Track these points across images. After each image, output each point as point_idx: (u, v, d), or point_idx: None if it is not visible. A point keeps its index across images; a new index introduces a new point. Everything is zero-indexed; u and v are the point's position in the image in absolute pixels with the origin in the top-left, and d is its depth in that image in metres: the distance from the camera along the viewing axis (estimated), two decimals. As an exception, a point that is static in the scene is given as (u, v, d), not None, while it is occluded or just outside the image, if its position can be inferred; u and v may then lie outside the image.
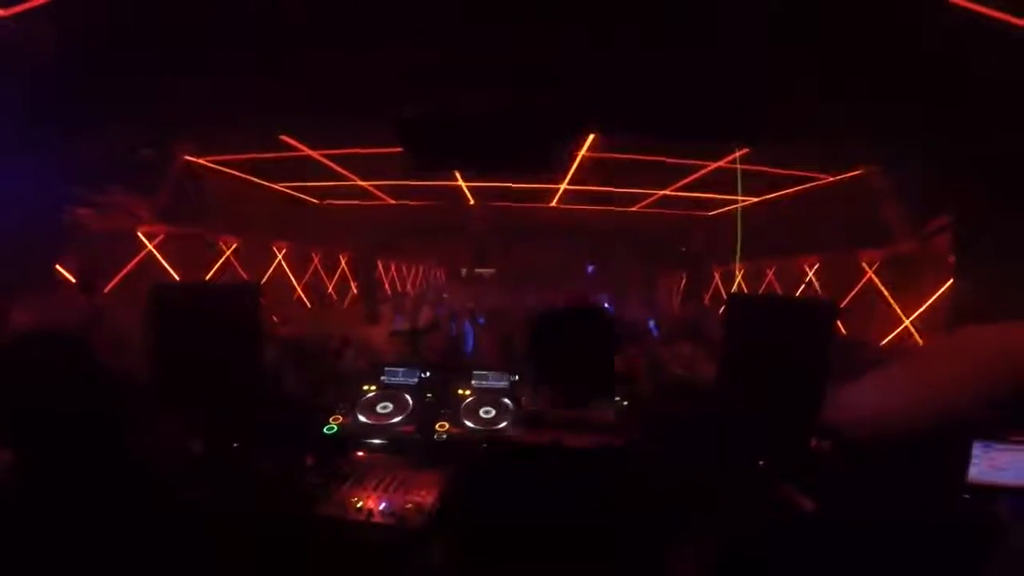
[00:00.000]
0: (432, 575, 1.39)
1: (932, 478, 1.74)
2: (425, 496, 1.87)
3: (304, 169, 4.81)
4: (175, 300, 2.12)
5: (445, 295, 8.84)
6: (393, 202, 6.57)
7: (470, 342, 4.57)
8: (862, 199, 4.12)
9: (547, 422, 1.23)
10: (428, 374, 2.53)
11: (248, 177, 4.84)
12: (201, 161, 4.37)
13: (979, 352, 0.76)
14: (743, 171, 4.31)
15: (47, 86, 2.17)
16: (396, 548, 1.75)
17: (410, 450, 2.21)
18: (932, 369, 0.80)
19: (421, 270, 13.69)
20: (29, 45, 1.91)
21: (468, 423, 2.32)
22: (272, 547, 1.77)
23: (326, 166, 4.76)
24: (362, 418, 2.32)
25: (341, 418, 2.31)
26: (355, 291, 9.08)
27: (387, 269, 11.33)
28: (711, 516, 1.74)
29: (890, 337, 4.42)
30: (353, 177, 5.30)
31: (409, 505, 1.83)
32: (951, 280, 3.47)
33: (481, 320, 5.49)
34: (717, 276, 8.73)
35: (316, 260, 7.94)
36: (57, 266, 3.22)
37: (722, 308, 7.22)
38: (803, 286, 6.20)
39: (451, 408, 2.37)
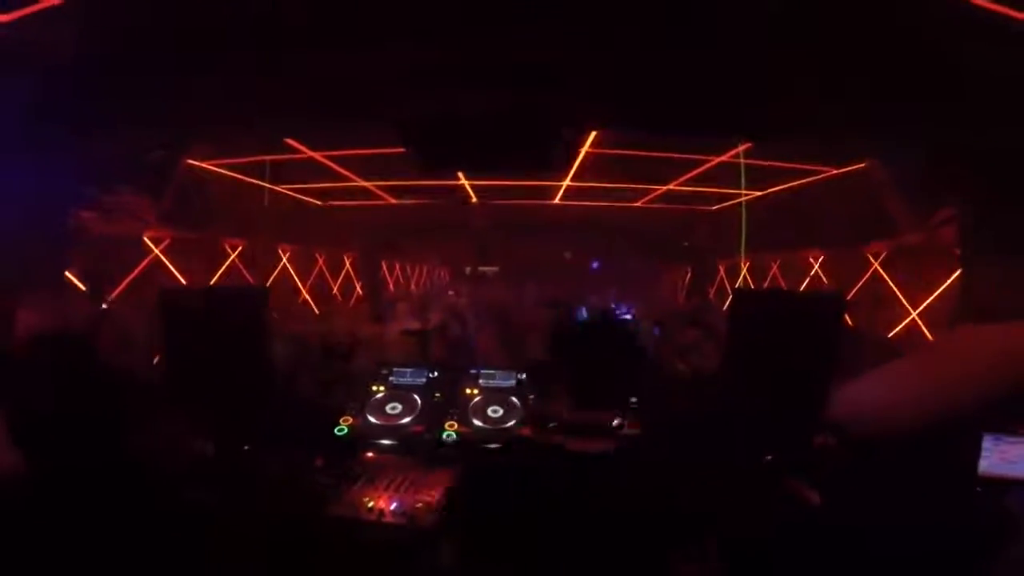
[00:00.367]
0: (442, 574, 1.40)
1: (941, 472, 1.74)
2: (435, 495, 1.89)
3: (306, 170, 4.83)
4: (184, 304, 2.14)
5: (451, 292, 8.86)
6: (395, 202, 6.58)
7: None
8: (866, 192, 4.10)
9: (557, 424, 1.24)
10: (436, 374, 2.55)
11: (252, 180, 4.85)
12: (204, 165, 4.39)
13: (983, 351, 0.76)
14: (746, 165, 4.31)
15: (54, 86, 2.19)
16: (407, 548, 1.77)
17: (420, 450, 2.23)
18: (936, 367, 0.80)
19: (425, 269, 13.70)
20: (35, 46, 1.92)
21: (476, 422, 2.33)
22: (284, 548, 1.79)
23: (328, 167, 4.77)
24: (372, 419, 2.34)
25: (351, 419, 2.33)
26: (360, 291, 9.11)
27: (391, 269, 11.35)
28: (718, 513, 1.75)
29: (897, 330, 4.41)
30: (355, 177, 5.31)
31: (419, 504, 1.85)
32: (957, 272, 3.46)
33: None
34: (721, 270, 8.70)
35: (321, 261, 7.97)
36: (65, 268, 3.24)
37: (727, 303, 7.23)
38: (807, 279, 6.18)
39: (459, 408, 2.38)
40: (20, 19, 1.82)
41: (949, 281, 3.87)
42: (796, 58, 1.99)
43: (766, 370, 2.08)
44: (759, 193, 5.49)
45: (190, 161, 4.22)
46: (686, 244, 8.61)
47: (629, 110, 2.65)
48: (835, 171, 4.36)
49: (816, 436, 1.98)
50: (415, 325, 4.46)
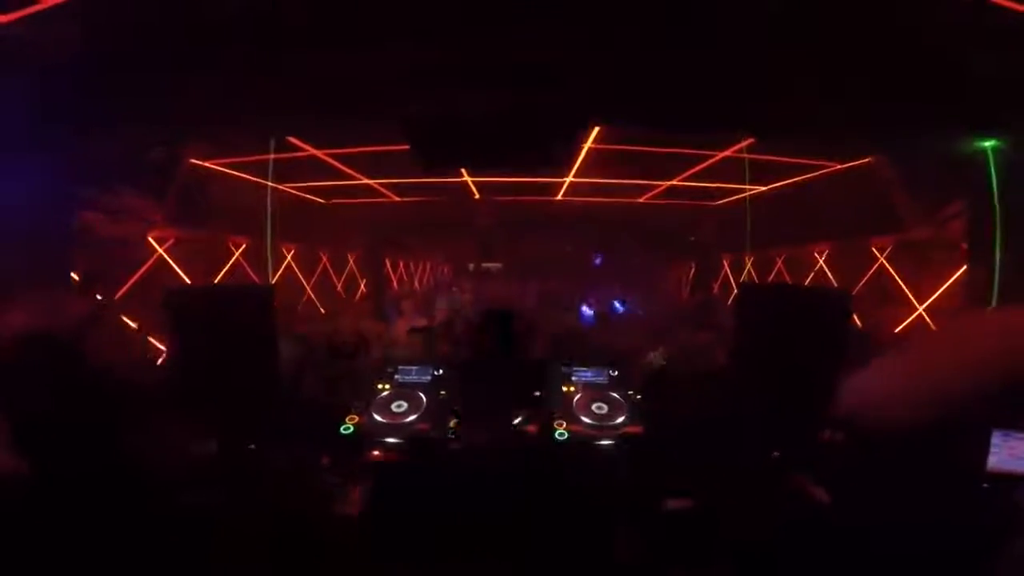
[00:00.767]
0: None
1: (949, 468, 1.73)
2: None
3: (310, 169, 4.83)
4: (190, 303, 2.14)
5: (454, 289, 8.87)
6: (398, 199, 6.58)
7: None
8: (872, 186, 4.08)
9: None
10: (441, 371, 2.54)
11: (255, 179, 4.86)
12: (207, 164, 4.40)
13: (980, 336, 0.76)
14: (750, 160, 4.29)
15: (55, 85, 2.19)
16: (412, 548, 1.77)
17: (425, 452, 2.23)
18: (933, 354, 0.80)
19: (428, 266, 13.71)
20: (36, 46, 1.93)
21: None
22: (289, 546, 1.80)
23: (331, 165, 4.78)
24: (377, 417, 2.34)
25: (357, 418, 2.33)
26: (364, 289, 9.13)
27: (395, 267, 11.36)
28: (724, 511, 1.75)
29: (904, 324, 4.39)
30: (358, 176, 5.31)
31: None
32: (964, 267, 3.44)
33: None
34: (726, 265, 8.68)
35: (325, 259, 7.98)
36: (68, 268, 3.24)
37: (731, 297, 7.19)
38: (812, 274, 6.16)
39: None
40: (20, 19, 1.83)
41: (956, 276, 3.84)
42: (796, 58, 1.98)
43: (773, 366, 2.07)
44: (763, 188, 5.47)
45: (193, 160, 4.23)
46: (691, 239, 8.59)
47: (628, 108, 2.64)
48: (840, 166, 4.33)
49: (823, 432, 1.98)
50: (421, 322, 4.46)
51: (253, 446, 2.11)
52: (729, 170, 4.73)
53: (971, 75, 1.85)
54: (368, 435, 2.27)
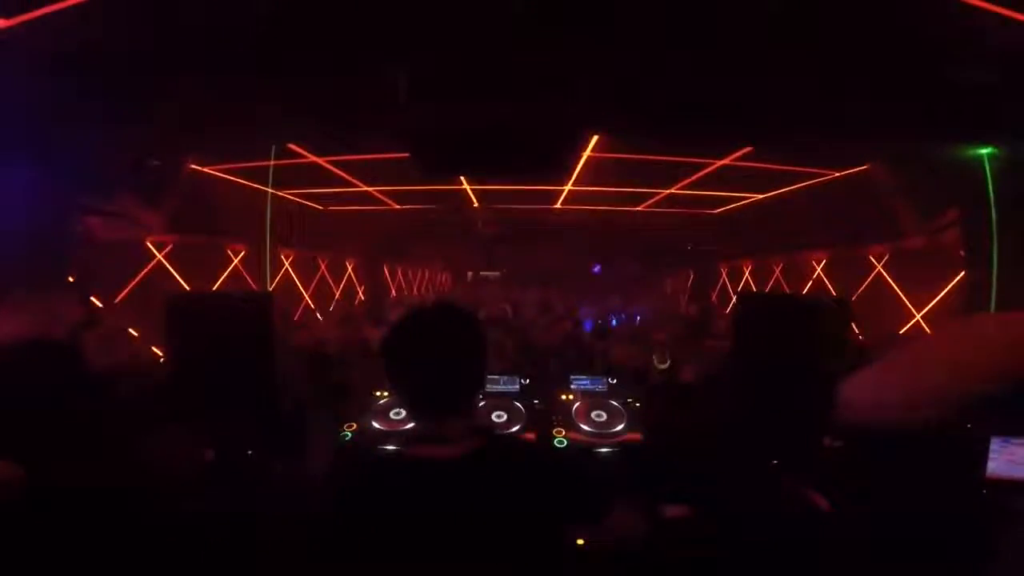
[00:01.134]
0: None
1: (947, 474, 1.73)
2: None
3: (309, 175, 4.84)
4: (190, 309, 2.13)
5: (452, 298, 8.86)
6: (398, 207, 6.59)
7: None
8: (869, 194, 4.10)
9: None
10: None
11: (255, 185, 4.87)
12: (207, 170, 4.41)
13: (977, 342, 0.76)
14: (748, 168, 4.31)
15: (55, 89, 2.20)
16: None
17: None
18: (931, 359, 0.80)
19: (427, 274, 13.70)
20: (36, 50, 1.94)
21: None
22: (287, 553, 1.78)
23: (331, 172, 4.79)
24: (376, 424, 2.33)
25: (355, 425, 2.32)
26: (362, 296, 9.12)
27: (393, 274, 11.35)
28: (727, 519, 1.74)
29: (902, 332, 4.39)
30: (357, 183, 5.32)
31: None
32: (961, 274, 3.46)
33: None
34: (724, 273, 8.70)
35: (323, 267, 7.98)
36: (65, 271, 3.23)
37: (730, 306, 7.19)
38: (810, 283, 6.17)
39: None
40: (21, 23, 1.84)
41: (953, 283, 3.86)
42: (796, 58, 2.00)
43: (771, 373, 2.07)
44: (761, 196, 5.50)
45: (192, 166, 4.24)
46: (689, 247, 8.61)
47: (629, 112, 2.66)
48: (837, 174, 4.36)
49: (822, 439, 1.97)
50: None
51: (250, 452, 2.10)
52: (727, 179, 4.76)
53: (968, 82, 1.87)
54: (367, 442, 2.26)
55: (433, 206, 6.64)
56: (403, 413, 2.37)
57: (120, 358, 2.07)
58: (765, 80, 2.19)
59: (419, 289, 12.96)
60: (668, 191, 5.59)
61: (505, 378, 2.54)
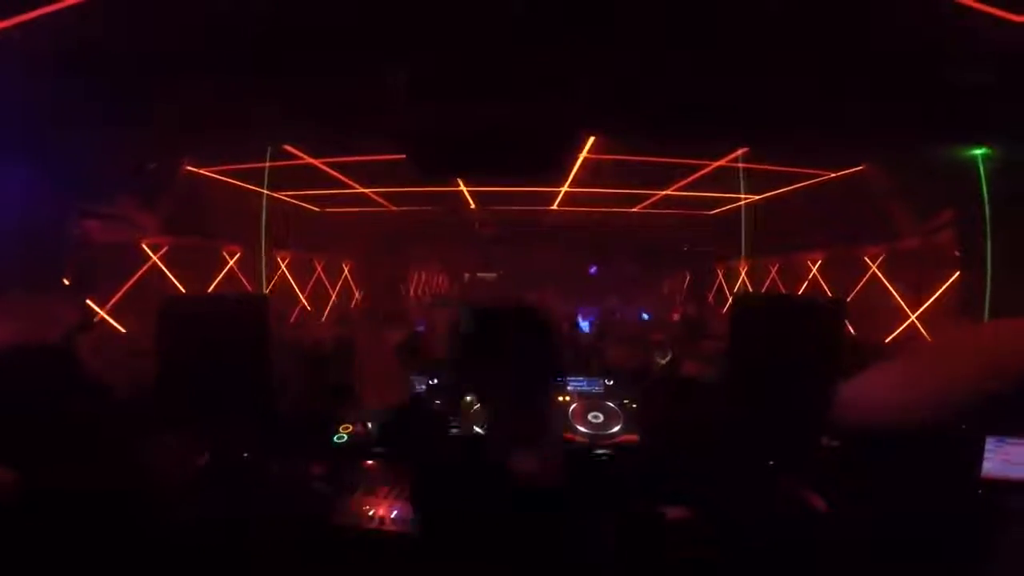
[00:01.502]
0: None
1: (943, 475, 1.73)
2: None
3: (305, 177, 4.83)
4: (186, 312, 2.12)
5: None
6: (395, 208, 6.58)
7: None
8: (864, 195, 4.12)
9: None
10: (436, 380, 2.53)
11: (251, 187, 4.85)
12: (203, 171, 4.39)
13: (975, 344, 0.76)
14: (744, 169, 4.32)
15: (50, 90, 2.19)
16: (409, 555, 1.75)
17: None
18: (928, 362, 0.80)
19: (424, 276, 13.67)
20: (33, 51, 1.93)
21: (479, 430, 2.31)
22: (284, 557, 1.77)
23: (327, 174, 4.78)
24: (371, 426, 2.32)
25: (351, 427, 2.31)
26: (359, 298, 9.11)
27: (390, 276, 11.32)
28: (724, 520, 1.74)
29: (896, 333, 4.41)
30: (354, 184, 5.31)
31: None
32: (956, 275, 3.47)
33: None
34: (720, 274, 8.72)
35: (319, 268, 7.96)
36: (60, 273, 3.21)
37: (726, 307, 7.20)
38: (806, 283, 6.19)
39: (459, 415, 2.37)
40: (18, 24, 1.83)
41: (946, 285, 3.87)
42: (796, 58, 2.01)
43: (768, 374, 2.07)
44: (757, 197, 5.51)
45: (188, 168, 4.22)
46: (685, 248, 8.63)
47: (629, 113, 2.66)
48: (833, 175, 4.38)
49: (819, 440, 1.98)
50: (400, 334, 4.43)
51: (246, 455, 2.09)
52: (723, 179, 4.77)
53: (962, 83, 1.88)
54: (362, 444, 2.25)
55: (430, 208, 6.63)
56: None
57: (117, 361, 2.05)
58: (764, 80, 2.20)
59: (416, 290, 12.93)
60: (664, 192, 5.61)
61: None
